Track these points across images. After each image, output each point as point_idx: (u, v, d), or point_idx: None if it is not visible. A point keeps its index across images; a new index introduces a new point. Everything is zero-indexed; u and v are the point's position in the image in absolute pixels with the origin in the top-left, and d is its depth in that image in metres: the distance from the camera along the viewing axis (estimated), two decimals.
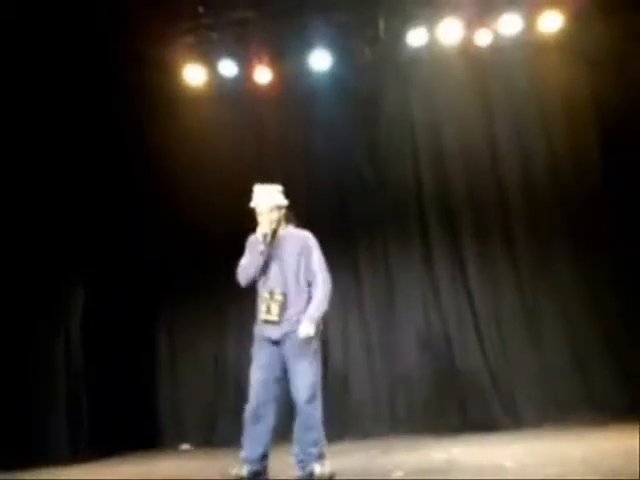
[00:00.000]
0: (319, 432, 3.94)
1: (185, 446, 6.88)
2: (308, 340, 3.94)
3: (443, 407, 6.66)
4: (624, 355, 6.27)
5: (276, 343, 4.03)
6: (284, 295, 4.04)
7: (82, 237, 6.51)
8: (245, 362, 7.08)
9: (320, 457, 3.90)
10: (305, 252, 4.15)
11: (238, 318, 7.36)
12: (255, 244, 4.19)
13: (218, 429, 6.96)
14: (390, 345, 7.00)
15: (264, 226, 4.15)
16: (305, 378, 3.94)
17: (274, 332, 4.03)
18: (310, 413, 3.93)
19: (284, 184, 4.41)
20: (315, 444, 3.91)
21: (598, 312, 6.53)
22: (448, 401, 6.66)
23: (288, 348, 4.01)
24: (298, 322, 3.99)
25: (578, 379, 6.39)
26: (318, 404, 3.96)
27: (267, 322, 4.04)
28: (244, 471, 3.92)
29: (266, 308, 4.05)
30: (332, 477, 3.83)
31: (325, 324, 7.00)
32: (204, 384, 7.29)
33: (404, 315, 7.05)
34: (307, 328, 3.94)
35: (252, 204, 4.27)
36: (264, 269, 4.15)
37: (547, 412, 6.22)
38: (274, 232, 4.19)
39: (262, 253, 4.12)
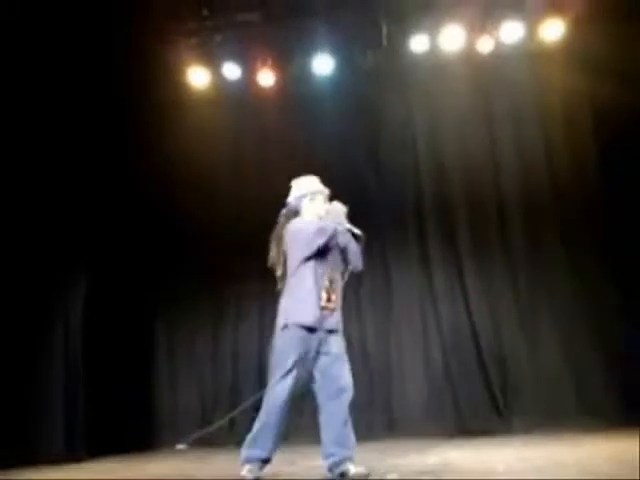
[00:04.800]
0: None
1: (181, 446, 6.88)
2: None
3: (438, 411, 6.69)
4: (619, 361, 6.29)
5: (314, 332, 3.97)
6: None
7: (85, 230, 6.53)
8: (242, 362, 7.20)
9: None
10: None
11: (236, 317, 7.42)
12: (329, 229, 4.07)
13: (214, 429, 6.98)
14: (386, 349, 7.03)
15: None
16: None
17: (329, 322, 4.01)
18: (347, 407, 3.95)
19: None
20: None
21: (594, 318, 6.56)
22: (443, 405, 6.70)
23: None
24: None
25: (572, 385, 6.43)
26: None
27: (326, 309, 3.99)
28: (256, 472, 3.87)
29: (327, 296, 3.99)
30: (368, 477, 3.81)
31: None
32: (201, 383, 7.33)
33: (401, 318, 7.09)
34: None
35: (321, 188, 4.28)
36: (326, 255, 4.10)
37: (542, 417, 6.23)
38: None
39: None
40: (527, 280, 6.90)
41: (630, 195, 6.43)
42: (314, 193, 4.24)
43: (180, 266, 7.42)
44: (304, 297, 3.96)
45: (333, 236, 4.03)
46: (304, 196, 4.23)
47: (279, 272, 4.13)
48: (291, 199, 4.27)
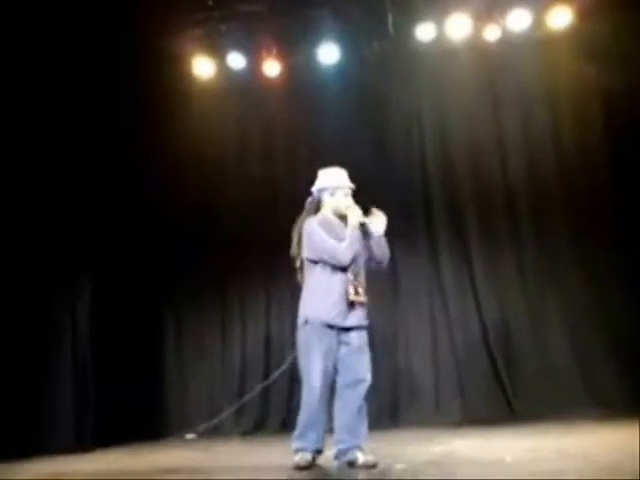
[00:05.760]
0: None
1: (191, 435, 6.92)
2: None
3: (445, 400, 6.70)
4: (626, 350, 6.28)
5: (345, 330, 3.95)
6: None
7: (90, 225, 6.53)
8: (250, 353, 7.23)
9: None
10: None
11: (243, 309, 7.43)
12: (339, 225, 4.09)
13: (223, 418, 7.01)
14: (394, 338, 7.03)
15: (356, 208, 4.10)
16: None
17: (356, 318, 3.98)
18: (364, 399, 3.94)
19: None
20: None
21: (601, 308, 6.55)
22: (450, 394, 6.70)
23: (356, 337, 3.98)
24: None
25: (580, 374, 6.42)
26: None
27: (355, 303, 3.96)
28: (309, 459, 3.86)
29: (354, 290, 3.94)
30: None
31: None
32: (210, 373, 7.36)
33: (409, 308, 7.09)
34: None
35: (342, 183, 4.19)
36: None
37: (548, 407, 6.22)
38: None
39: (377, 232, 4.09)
40: (535, 269, 6.88)
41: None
42: (335, 188, 4.16)
43: (186, 259, 7.41)
44: (324, 293, 3.94)
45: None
46: (325, 189, 4.17)
47: (298, 264, 4.11)
48: (314, 190, 4.22)
